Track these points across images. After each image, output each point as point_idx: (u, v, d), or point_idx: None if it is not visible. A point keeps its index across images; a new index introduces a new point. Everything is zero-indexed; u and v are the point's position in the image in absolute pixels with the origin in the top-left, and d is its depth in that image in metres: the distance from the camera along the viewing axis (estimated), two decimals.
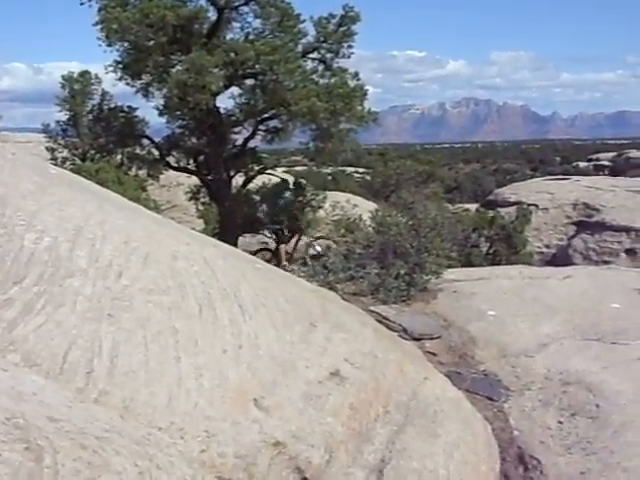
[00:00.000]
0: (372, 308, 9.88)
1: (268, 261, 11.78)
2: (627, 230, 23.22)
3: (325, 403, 5.54)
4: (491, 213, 22.75)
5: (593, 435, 7.42)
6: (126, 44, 19.13)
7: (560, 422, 7.64)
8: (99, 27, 18.69)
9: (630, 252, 22.68)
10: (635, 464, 7.11)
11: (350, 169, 56.50)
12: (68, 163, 22.99)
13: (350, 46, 19.05)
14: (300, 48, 18.99)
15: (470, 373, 8.51)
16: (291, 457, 4.96)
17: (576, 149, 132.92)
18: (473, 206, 28.37)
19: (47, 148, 25.86)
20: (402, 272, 10.98)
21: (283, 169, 26.62)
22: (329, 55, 19.22)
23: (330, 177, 44.16)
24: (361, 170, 55.12)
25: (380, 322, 8.82)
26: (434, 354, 8.83)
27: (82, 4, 19.29)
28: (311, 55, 19.40)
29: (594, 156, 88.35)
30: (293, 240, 20.27)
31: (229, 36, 19.90)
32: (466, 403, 7.35)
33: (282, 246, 20.13)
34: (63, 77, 27.30)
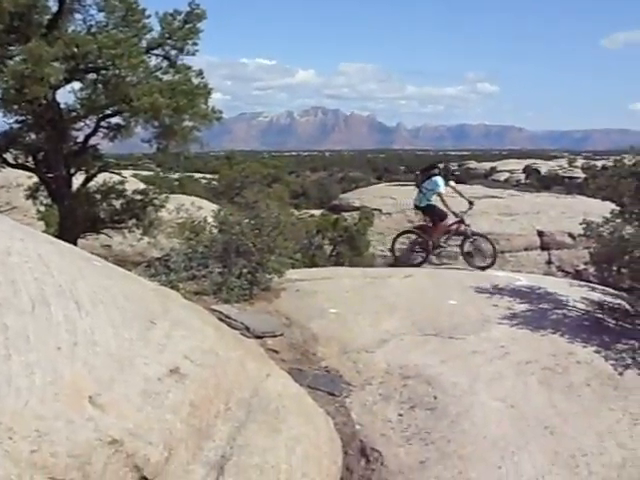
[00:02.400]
0: (214, 307, 9.81)
1: None
2: None
3: (164, 400, 5.44)
4: (335, 216, 23.11)
5: (431, 426, 7.69)
6: None
7: (400, 415, 7.86)
8: None
9: (468, 255, 23.58)
10: (469, 451, 7.41)
11: (198, 175, 56.12)
12: None
13: (195, 43, 18.81)
14: (144, 43, 18.57)
15: (312, 370, 8.59)
16: (128, 455, 4.84)
17: (420, 159, 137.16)
18: (319, 212, 28.72)
19: None
20: (244, 271, 10.95)
21: (129, 173, 26.03)
22: (174, 52, 18.89)
23: (177, 182, 43.70)
24: (208, 176, 54.78)
25: (222, 320, 8.77)
26: (276, 352, 8.86)
27: None
28: (155, 51, 19.00)
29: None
30: None
31: (71, 28, 19.24)
32: (308, 399, 7.42)
33: None
34: None
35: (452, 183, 15.57)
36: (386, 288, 11.40)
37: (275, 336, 9.27)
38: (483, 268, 14.40)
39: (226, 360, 6.69)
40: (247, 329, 9.21)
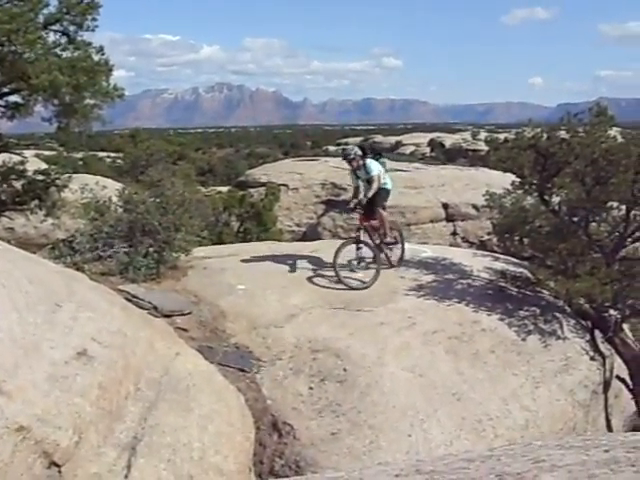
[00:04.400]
0: (121, 287, 9.69)
1: None
2: None
3: (72, 384, 5.39)
4: (241, 192, 22.99)
5: (342, 398, 7.82)
6: None
7: (311, 388, 7.96)
8: None
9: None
10: (380, 420, 7.59)
11: (102, 154, 54.93)
12: None
13: (95, 19, 18.31)
14: (41, 19, 17.99)
15: (221, 347, 8.60)
16: (37, 441, 4.79)
17: (326, 134, 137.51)
18: (226, 188, 28.48)
19: None
20: (151, 250, 10.83)
21: (30, 152, 25.27)
22: (72, 27, 18.35)
23: (81, 161, 42.73)
24: (113, 154, 53.69)
25: (129, 300, 8.68)
26: (185, 330, 8.83)
27: None
28: (53, 27, 18.44)
29: (343, 140, 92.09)
30: None
31: None
32: (218, 376, 7.44)
33: None
34: None
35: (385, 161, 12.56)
36: (293, 262, 11.42)
37: (184, 314, 9.23)
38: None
39: (134, 340, 6.65)
40: (155, 308, 9.13)
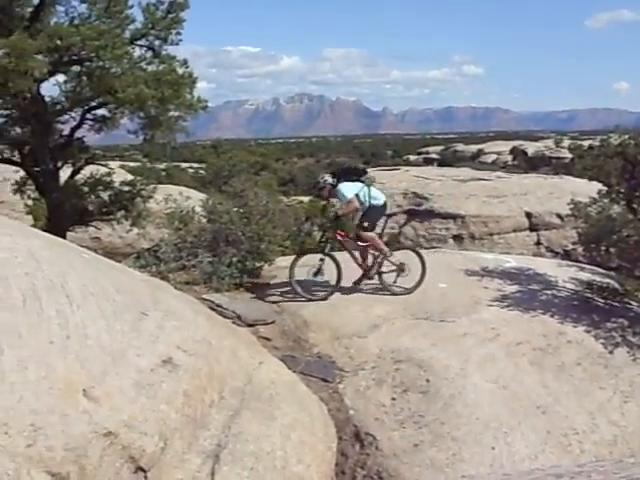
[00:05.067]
0: (205, 296, 9.83)
1: None
2: (454, 217, 24.17)
3: (158, 391, 5.46)
4: (323, 202, 23.04)
5: (424, 409, 7.74)
6: None
7: (393, 399, 7.91)
8: None
9: (457, 237, 23.66)
10: (463, 432, 7.47)
11: (185, 164, 55.87)
12: None
13: (179, 33, 18.74)
14: (128, 34, 18.49)
15: (304, 356, 8.63)
16: (124, 447, 4.87)
17: (407, 143, 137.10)
18: (307, 198, 28.58)
19: None
20: (234, 260, 10.97)
21: (116, 164, 25.87)
22: (157, 42, 18.81)
23: (164, 172, 43.52)
24: (195, 165, 54.56)
25: (213, 310, 8.80)
26: (268, 339, 8.89)
27: None
28: (139, 42, 18.91)
29: (424, 149, 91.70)
30: None
31: (53, 20, 19.14)
32: (301, 386, 7.46)
33: None
34: None
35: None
36: None
37: (267, 324, 9.30)
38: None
39: (218, 349, 6.72)
40: (239, 317, 9.23)
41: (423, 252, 11.33)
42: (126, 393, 5.20)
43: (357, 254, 10.90)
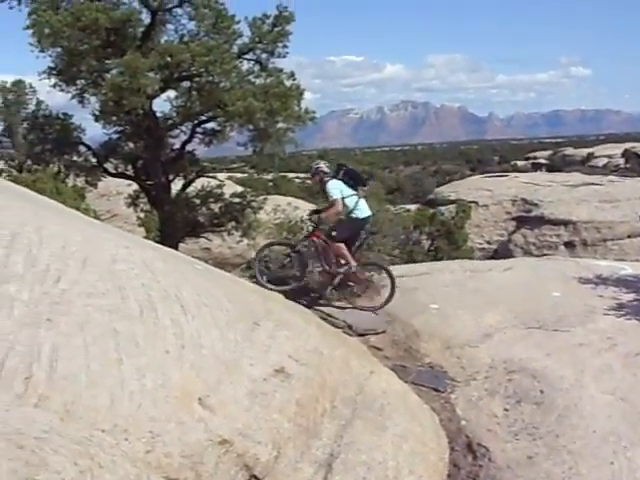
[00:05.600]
0: (316, 306, 9.88)
1: None
2: (565, 223, 23.67)
3: (271, 400, 5.51)
4: (431, 210, 22.95)
5: (539, 420, 7.53)
6: (59, 49, 18.80)
7: (506, 409, 7.74)
8: (30, 32, 18.36)
9: (569, 244, 23.15)
10: (579, 445, 7.23)
11: (291, 175, 56.46)
12: (4, 175, 22.51)
13: (285, 46, 19.10)
14: (235, 49, 18.96)
15: (415, 366, 8.57)
16: (239, 455, 4.93)
17: (514, 148, 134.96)
18: (414, 207, 28.51)
19: None
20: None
21: (224, 175, 26.43)
22: (264, 55, 19.23)
23: (271, 183, 44.11)
24: (302, 175, 55.14)
25: (324, 319, 8.85)
26: (379, 349, 8.87)
27: (11, 8, 18.93)
28: (247, 56, 19.37)
29: (531, 155, 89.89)
30: None
31: (163, 38, 19.78)
32: (413, 395, 7.40)
33: None
34: None
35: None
36: (486, 281, 11.27)
37: (377, 333, 9.29)
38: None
39: (330, 359, 6.74)
40: (349, 327, 9.26)
41: (391, 269, 10.80)
42: (240, 402, 5.27)
43: (323, 259, 10.40)
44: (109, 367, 4.73)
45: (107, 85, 17.71)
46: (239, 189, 22.51)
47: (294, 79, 19.02)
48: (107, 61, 18.89)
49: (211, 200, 20.32)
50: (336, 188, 10.08)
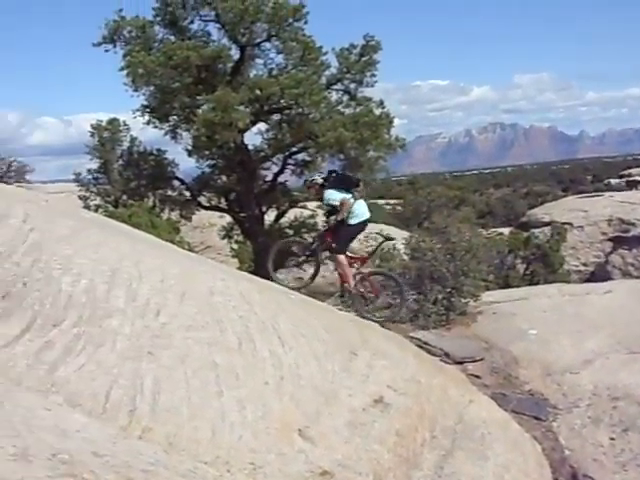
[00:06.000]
0: (412, 334, 9.83)
1: None
2: None
3: (370, 430, 5.48)
4: (525, 234, 22.54)
5: None
6: (152, 87, 19.42)
7: (612, 439, 7.49)
8: (125, 72, 19.02)
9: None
10: None
11: (381, 201, 56.44)
12: (101, 210, 23.18)
13: (373, 75, 19.24)
14: (324, 80, 19.19)
15: (515, 394, 8.40)
16: None
17: (607, 166, 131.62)
18: (506, 230, 28.04)
19: (80, 197, 26.13)
20: (440, 297, 10.93)
21: (315, 204, 26.62)
22: (353, 85, 19.41)
23: None
24: (392, 201, 55.01)
25: (421, 347, 8.77)
26: (478, 377, 8.74)
27: (107, 51, 19.67)
28: (335, 86, 19.59)
29: (626, 172, 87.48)
30: None
31: (253, 73, 20.19)
32: (514, 424, 7.24)
33: None
34: (92, 126, 27.74)
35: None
36: (585, 305, 10.98)
37: (475, 361, 9.16)
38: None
39: (428, 387, 6.67)
40: (446, 355, 9.17)
41: (400, 278, 10.43)
42: (340, 433, 5.25)
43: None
44: (210, 399, 4.79)
45: (199, 120, 18.14)
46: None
47: (383, 107, 19.11)
48: (198, 97, 19.37)
49: (304, 230, 20.47)
50: (333, 194, 9.96)
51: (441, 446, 6.10)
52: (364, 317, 9.29)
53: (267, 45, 19.75)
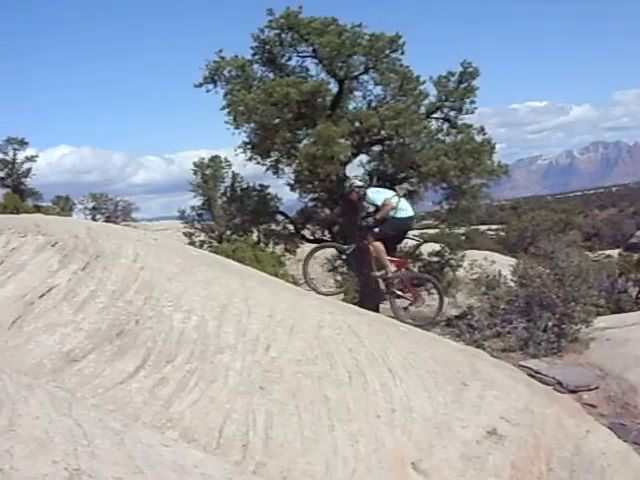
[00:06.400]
0: (522, 363, 9.66)
1: None
2: None
3: (485, 463, 5.39)
4: (636, 256, 21.86)
5: None
6: (253, 124, 19.79)
7: None
8: (226, 111, 19.46)
9: None
10: None
11: (483, 227, 55.74)
12: (205, 246, 23.67)
13: (473, 101, 19.12)
14: (423, 109, 19.17)
15: (635, 424, 8.12)
16: None
17: None
18: (615, 252, 27.29)
19: (184, 233, 26.80)
20: (550, 324, 10.71)
21: (416, 232, 26.52)
22: (452, 113, 19.33)
23: (464, 237, 43.71)
24: (494, 227, 54.25)
25: (532, 376, 8.58)
26: (593, 406, 8.50)
27: (208, 92, 20.21)
28: (435, 115, 19.55)
29: None
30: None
31: (352, 105, 20.36)
32: (635, 456, 6.98)
33: None
34: (194, 164, 28.52)
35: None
36: None
37: (590, 389, 8.93)
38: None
39: (542, 418, 6.51)
40: (560, 384, 8.96)
41: (436, 280, 10.41)
42: (454, 466, 5.19)
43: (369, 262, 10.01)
44: (322, 433, 4.81)
45: (301, 155, 18.39)
46: (436, 247, 22.48)
47: (484, 134, 18.97)
48: (299, 132, 19.65)
49: (410, 260, 20.42)
50: (377, 193, 9.89)
51: (559, 478, 5.94)
52: (402, 320, 9.16)
53: (365, 77, 19.92)
